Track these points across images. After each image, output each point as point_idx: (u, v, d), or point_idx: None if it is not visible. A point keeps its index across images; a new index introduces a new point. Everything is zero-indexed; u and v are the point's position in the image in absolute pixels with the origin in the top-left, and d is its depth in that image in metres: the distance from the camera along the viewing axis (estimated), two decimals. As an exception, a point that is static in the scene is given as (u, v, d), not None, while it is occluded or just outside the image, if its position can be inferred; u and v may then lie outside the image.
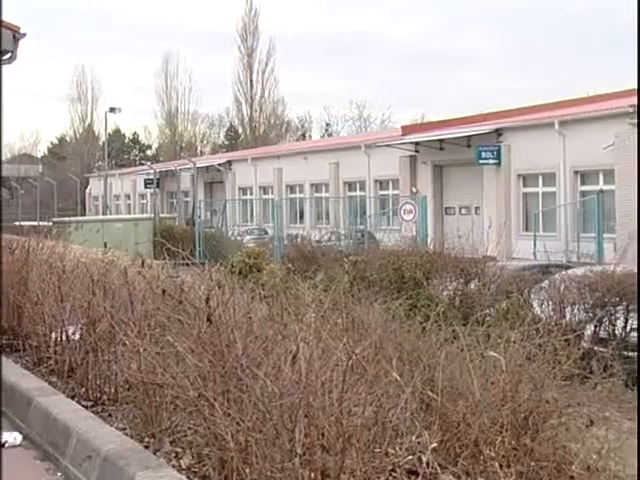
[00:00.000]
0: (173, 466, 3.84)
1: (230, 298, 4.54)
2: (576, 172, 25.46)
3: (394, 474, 3.38)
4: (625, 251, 12.04)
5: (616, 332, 10.00)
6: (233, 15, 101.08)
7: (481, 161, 27.81)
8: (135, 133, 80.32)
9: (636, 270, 10.77)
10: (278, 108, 67.94)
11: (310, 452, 3.26)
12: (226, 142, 74.51)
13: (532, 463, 3.46)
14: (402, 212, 27.47)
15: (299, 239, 23.31)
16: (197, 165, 41.58)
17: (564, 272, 12.49)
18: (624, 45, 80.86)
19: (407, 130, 35.12)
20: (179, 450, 4.01)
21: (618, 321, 10.03)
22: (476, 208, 29.19)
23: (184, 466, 3.87)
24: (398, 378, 3.75)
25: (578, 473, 3.45)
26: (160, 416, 4.33)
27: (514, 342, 4.11)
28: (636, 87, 30.43)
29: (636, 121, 22.41)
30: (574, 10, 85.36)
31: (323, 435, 3.30)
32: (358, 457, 3.27)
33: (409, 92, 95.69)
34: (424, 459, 3.42)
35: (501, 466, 3.44)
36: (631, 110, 23.02)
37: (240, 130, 70.97)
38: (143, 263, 6.48)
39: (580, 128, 24.89)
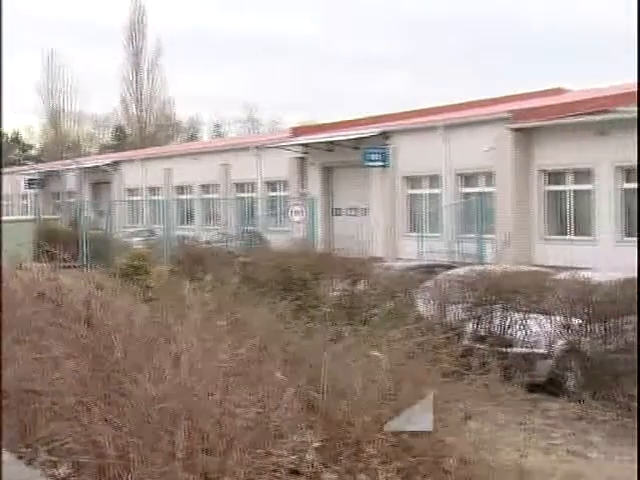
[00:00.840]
0: (49, 476, 3.71)
1: (111, 301, 4.44)
2: (459, 174, 26.24)
3: (277, 474, 3.38)
4: (502, 251, 12.52)
5: (493, 329, 10.38)
6: (120, 13, 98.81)
7: (368, 163, 28.24)
8: (16, 132, 77.20)
9: (514, 270, 11.21)
10: (167, 108, 66.94)
11: (191, 455, 3.23)
12: (114, 142, 72.72)
13: (411, 459, 3.54)
14: (291, 213, 27.61)
15: (188, 240, 23.01)
16: (83, 165, 40.41)
17: (447, 272, 12.88)
18: (519, 51, 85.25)
19: (297, 132, 35.27)
20: (56, 459, 3.88)
21: (495, 319, 10.42)
22: (364, 209, 29.64)
23: (61, 476, 3.74)
24: (282, 378, 3.77)
25: (455, 466, 3.55)
26: (37, 425, 4.18)
27: (396, 341, 4.20)
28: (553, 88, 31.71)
29: (513, 126, 23.34)
30: (479, 15, 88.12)
31: (204, 438, 3.27)
32: (240, 458, 3.26)
33: (301, 95, 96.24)
34: (307, 458, 3.44)
35: (382, 463, 3.51)
36: (509, 115, 23.98)
37: (128, 130, 69.42)
38: (21, 265, 6.25)
39: (462, 132, 25.68)
